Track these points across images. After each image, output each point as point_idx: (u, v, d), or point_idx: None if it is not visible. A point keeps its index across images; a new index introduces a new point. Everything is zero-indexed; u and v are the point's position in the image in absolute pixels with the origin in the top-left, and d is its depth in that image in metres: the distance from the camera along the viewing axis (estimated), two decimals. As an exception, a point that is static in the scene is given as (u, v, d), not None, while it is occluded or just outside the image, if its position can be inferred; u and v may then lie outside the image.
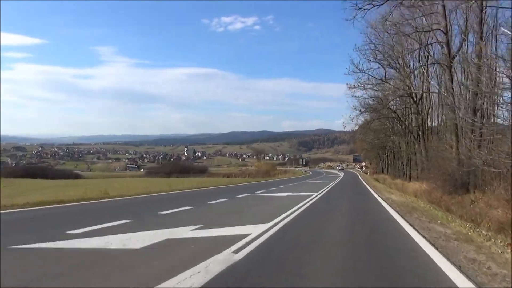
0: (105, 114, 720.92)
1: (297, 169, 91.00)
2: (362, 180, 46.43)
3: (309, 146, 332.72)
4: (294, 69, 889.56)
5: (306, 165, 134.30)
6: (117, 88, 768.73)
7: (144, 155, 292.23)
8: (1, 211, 10.19)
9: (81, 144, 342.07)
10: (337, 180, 42.22)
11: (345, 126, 28.89)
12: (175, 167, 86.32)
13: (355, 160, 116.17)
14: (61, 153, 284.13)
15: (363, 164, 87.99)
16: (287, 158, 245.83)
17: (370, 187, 28.71)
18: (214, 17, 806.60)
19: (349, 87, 27.77)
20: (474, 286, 4.27)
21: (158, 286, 3.96)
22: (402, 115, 32.55)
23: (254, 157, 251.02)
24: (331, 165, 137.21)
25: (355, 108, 29.24)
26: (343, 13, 18.40)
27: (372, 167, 74.21)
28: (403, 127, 35.32)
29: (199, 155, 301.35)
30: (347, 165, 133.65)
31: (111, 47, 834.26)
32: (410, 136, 33.03)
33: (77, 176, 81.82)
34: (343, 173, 75.51)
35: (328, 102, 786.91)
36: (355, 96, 29.24)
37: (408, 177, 35.79)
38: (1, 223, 8.14)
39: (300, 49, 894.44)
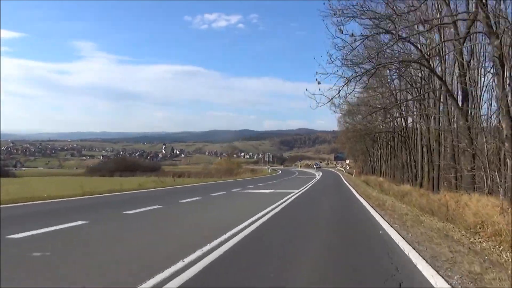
0: (85, 111, 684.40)
1: (266, 167, 73.21)
2: (349, 185, 28.73)
3: (290, 145, 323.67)
4: (276, 68, 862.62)
5: (282, 163, 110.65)
6: (97, 84, 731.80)
7: (121, 152, 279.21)
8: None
9: (57, 140, 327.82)
10: (307, 186, 25.19)
11: (319, 82, 11.96)
12: (121, 165, 68.72)
13: (337, 158, 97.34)
14: (33, 150, 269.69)
15: (347, 162, 69.81)
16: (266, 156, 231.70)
17: (377, 210, 11.79)
18: (197, 14, 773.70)
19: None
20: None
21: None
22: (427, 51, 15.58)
23: (234, 155, 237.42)
24: (309, 163, 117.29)
25: (336, 47, 12.28)
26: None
27: (358, 165, 57.57)
28: (420, 87, 18.81)
29: (177, 152, 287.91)
30: (328, 164, 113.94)
31: (91, 43, 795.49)
32: (443, 100, 16.39)
33: (6, 174, 65.99)
34: (320, 173, 57.59)
35: (310, 102, 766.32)
36: (339, 31, 12.08)
37: (431, 181, 19.06)
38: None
39: (283, 48, 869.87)
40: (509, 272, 4.65)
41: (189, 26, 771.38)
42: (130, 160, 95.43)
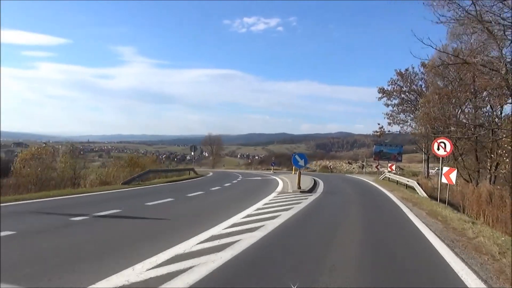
0: (125, 114, 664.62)
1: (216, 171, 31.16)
2: None
3: (327, 149, 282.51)
4: (314, 71, 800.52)
5: (273, 165, 60.00)
6: (137, 88, 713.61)
7: (152, 154, 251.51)
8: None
9: (95, 142, 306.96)
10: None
11: None
12: None
13: (380, 155, 43.19)
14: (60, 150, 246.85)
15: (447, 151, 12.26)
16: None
17: None
18: (236, 18, 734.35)
19: None
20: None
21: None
22: None
23: (275, 158, 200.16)
24: (330, 165, 66.74)
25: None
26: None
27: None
28: None
29: (206, 155, 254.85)
30: (362, 168, 61.71)
31: (131, 47, 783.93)
32: None
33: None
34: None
35: (348, 105, 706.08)
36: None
37: None
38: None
39: (321, 51, 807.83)
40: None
41: (229, 29, 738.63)
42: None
